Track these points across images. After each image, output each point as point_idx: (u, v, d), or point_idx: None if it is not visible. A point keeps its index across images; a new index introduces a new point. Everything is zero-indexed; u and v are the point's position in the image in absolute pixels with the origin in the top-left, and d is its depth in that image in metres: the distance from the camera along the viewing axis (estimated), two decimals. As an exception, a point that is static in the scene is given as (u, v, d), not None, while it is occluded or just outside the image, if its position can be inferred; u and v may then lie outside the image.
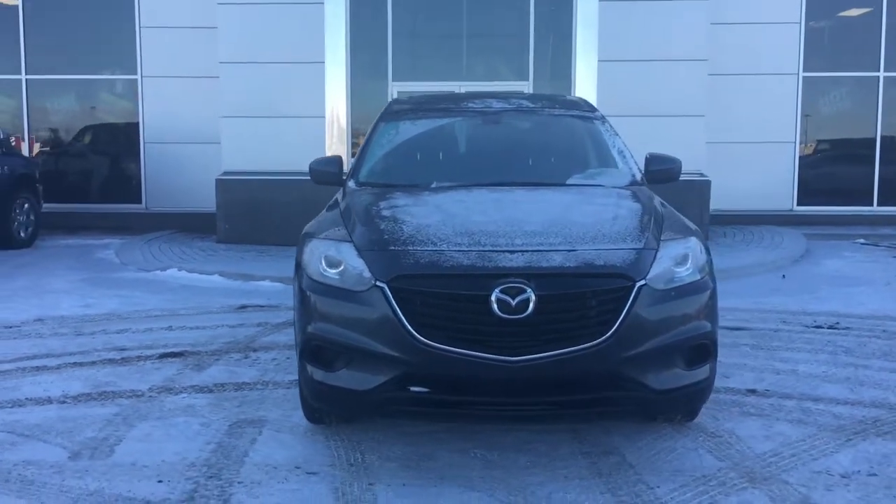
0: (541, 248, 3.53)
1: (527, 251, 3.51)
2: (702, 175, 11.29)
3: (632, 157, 4.86)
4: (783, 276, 8.88)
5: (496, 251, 3.51)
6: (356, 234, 3.79)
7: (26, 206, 11.40)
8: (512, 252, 3.50)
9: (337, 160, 4.91)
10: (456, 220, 3.86)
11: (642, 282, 3.47)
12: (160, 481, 3.61)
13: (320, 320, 3.61)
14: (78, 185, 13.64)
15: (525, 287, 3.33)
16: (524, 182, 4.50)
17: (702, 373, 3.65)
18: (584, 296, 3.42)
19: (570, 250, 3.52)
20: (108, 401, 4.72)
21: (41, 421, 4.37)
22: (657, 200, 4.38)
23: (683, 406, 3.90)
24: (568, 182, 4.52)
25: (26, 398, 4.76)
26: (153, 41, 12.92)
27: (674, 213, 4.27)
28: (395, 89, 11.40)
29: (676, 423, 4.25)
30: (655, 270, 3.55)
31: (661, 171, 4.86)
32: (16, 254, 10.61)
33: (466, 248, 3.54)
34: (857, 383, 5.00)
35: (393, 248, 3.62)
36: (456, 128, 5.21)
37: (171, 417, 4.44)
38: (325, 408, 3.82)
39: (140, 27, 12.97)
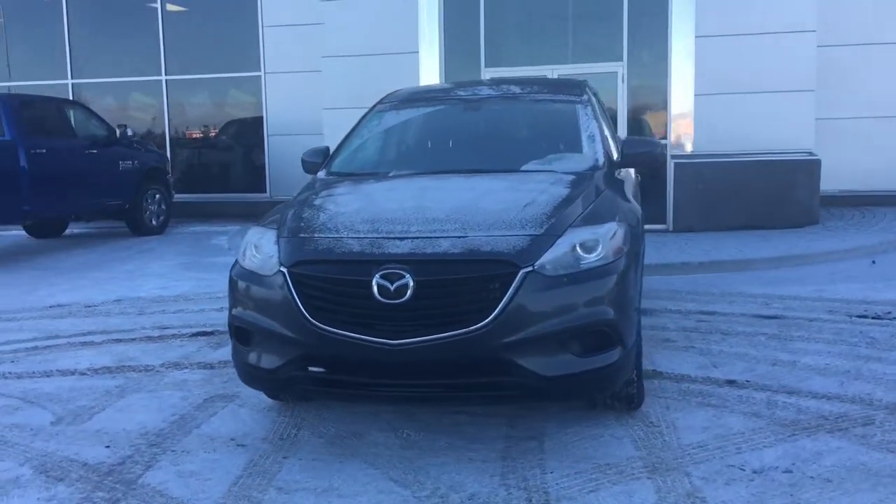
0: (432, 234, 3.62)
1: (416, 238, 3.61)
2: (811, 154, 10.64)
3: (606, 140, 4.78)
4: (873, 261, 8.26)
5: (387, 238, 3.64)
6: (283, 221, 4.04)
7: (157, 196, 12.51)
8: (402, 239, 3.62)
9: (324, 151, 5.16)
10: (371, 208, 4.02)
11: (529, 268, 3.48)
12: (107, 447, 4.03)
13: (240, 302, 3.89)
14: (211, 176, 14.72)
15: (403, 273, 3.45)
16: (478, 169, 4.56)
17: (602, 360, 3.60)
18: (464, 281, 3.49)
19: (460, 237, 3.59)
20: (119, 374, 5.23)
21: (53, 390, 4.93)
22: (606, 185, 4.32)
23: (580, 393, 3.87)
24: (522, 168, 4.52)
25: (56, 370, 5.36)
26: (274, 39, 13.74)
27: (613, 199, 4.19)
28: (487, 75, 11.49)
29: (619, 411, 4.20)
30: (549, 257, 3.54)
31: (637, 155, 4.77)
32: (144, 240, 11.67)
33: (362, 236, 3.69)
34: (853, 377, 4.68)
35: (302, 235, 3.83)
36: (435, 117, 5.32)
37: (161, 391, 4.87)
38: (248, 384, 4.09)
39: (263, 27, 13.81)
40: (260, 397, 4.61)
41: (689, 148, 11.01)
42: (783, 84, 10.57)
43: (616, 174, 4.66)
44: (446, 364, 3.50)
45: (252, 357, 3.82)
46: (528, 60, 11.45)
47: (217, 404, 4.59)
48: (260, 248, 3.89)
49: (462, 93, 5.38)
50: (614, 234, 3.77)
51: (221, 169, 14.80)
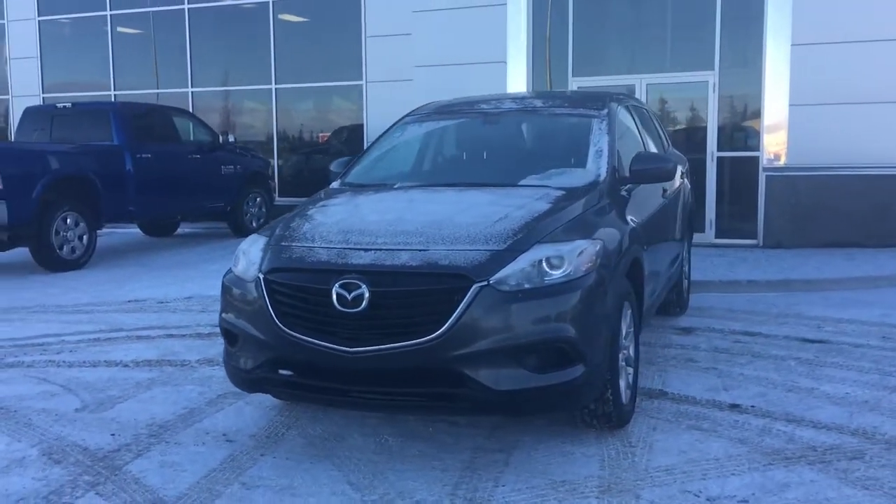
0: (395, 247, 3.72)
1: (380, 250, 3.72)
2: (918, 168, 10.00)
3: (614, 156, 4.72)
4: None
5: (353, 249, 3.77)
6: (275, 229, 4.25)
7: (258, 199, 13.15)
8: (366, 250, 3.74)
9: (346, 162, 5.37)
10: (353, 219, 4.17)
11: (483, 283, 3.53)
12: (113, 434, 4.34)
13: (227, 305, 4.12)
14: (316, 181, 15.17)
15: (360, 283, 3.57)
16: (478, 183, 4.63)
17: (560, 377, 3.61)
18: (418, 293, 3.57)
19: (421, 250, 3.67)
20: (157, 367, 5.59)
21: (93, 379, 5.33)
22: (600, 202, 4.30)
23: (535, 409, 3.86)
24: (519, 183, 4.54)
25: (104, 360, 5.79)
26: (375, 49, 14.11)
27: (599, 217, 4.16)
28: (575, 84, 11.43)
29: (603, 429, 4.16)
30: (506, 272, 3.57)
31: (643, 171, 4.71)
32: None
33: (332, 246, 3.84)
34: (867, 408, 4.44)
35: (283, 243, 4.02)
36: (451, 131, 5.42)
37: (185, 385, 5.19)
38: (232, 383, 4.28)
39: (366, 37, 14.24)
40: (266, 396, 4.82)
41: (782, 160, 10.57)
42: (885, 95, 9.99)
43: (620, 191, 4.60)
44: (399, 374, 3.59)
45: (234, 357, 4.04)
46: (616, 70, 11.34)
47: (227, 400, 4.84)
48: (247, 255, 4.10)
49: (486, 106, 5.44)
50: (582, 251, 3.75)
51: (325, 174, 15.29)
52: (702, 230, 11.04)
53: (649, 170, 4.72)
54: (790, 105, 10.40)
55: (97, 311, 7.46)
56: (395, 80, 13.74)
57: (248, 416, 4.58)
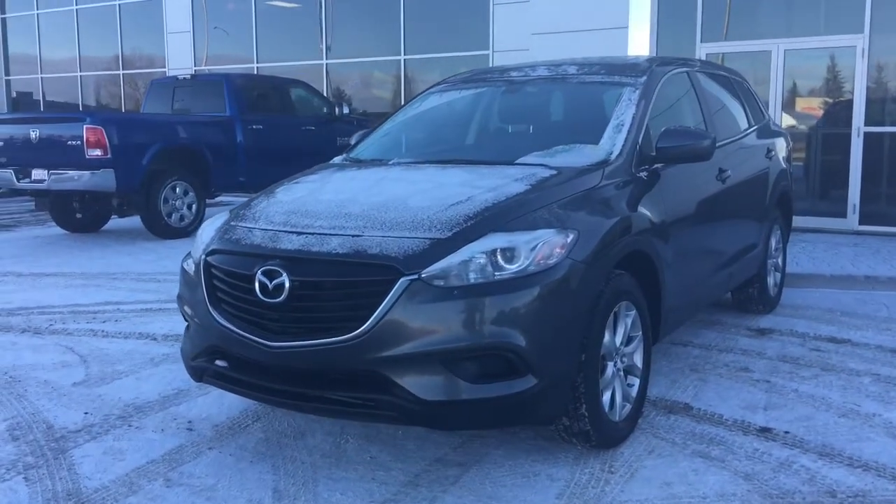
0: (329, 231, 3.30)
1: (312, 234, 3.31)
2: None
3: (636, 132, 4.04)
4: None
5: (287, 232, 3.38)
6: (237, 207, 3.94)
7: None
8: (299, 234, 3.34)
9: (358, 136, 5.00)
10: (310, 198, 3.78)
11: (414, 276, 3.04)
12: (86, 413, 4.22)
13: (181, 287, 3.86)
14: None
15: (281, 271, 3.19)
16: (471, 160, 4.13)
17: (502, 389, 3.08)
18: (340, 285, 3.14)
19: (354, 236, 3.23)
20: (178, 343, 5.47)
21: (114, 352, 5.28)
22: (604, 185, 3.68)
23: (472, 424, 3.32)
24: (517, 161, 3.96)
25: (138, 332, 5.75)
26: (502, 17, 13.60)
27: (585, 202, 3.53)
28: (703, 51, 10.43)
29: (589, 446, 3.57)
30: (444, 264, 3.07)
31: (671, 150, 4.02)
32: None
33: (270, 228, 3.47)
34: (930, 445, 3.59)
35: (233, 223, 3.69)
36: (467, 102, 4.88)
37: (192, 364, 5.02)
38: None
39: (493, 4, 13.73)
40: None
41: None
42: None
43: (639, 172, 3.93)
44: (321, 374, 3.19)
45: (185, 343, 3.79)
46: (748, 34, 10.24)
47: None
48: (202, 234, 3.81)
49: (515, 74, 4.85)
50: (542, 243, 3.17)
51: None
52: (843, 215, 9.84)
53: (679, 148, 4.02)
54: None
55: (166, 280, 7.51)
56: (522, 49, 13.17)
57: (226, 404, 4.32)
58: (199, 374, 3.69)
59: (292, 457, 3.65)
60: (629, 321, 3.67)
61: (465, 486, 3.31)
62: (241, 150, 10.86)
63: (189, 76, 11.54)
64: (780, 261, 6.13)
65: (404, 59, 14.95)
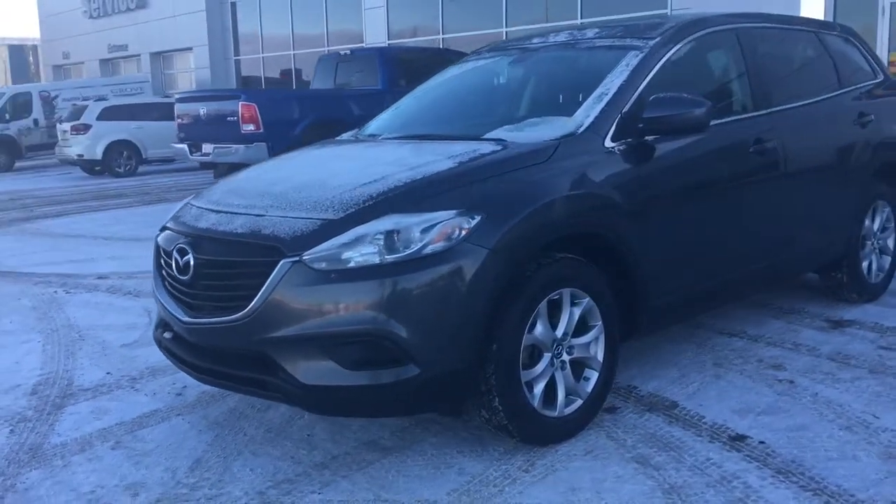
0: (242, 210, 3.31)
1: (225, 213, 3.35)
2: None
3: (619, 102, 3.63)
4: None
5: (210, 210, 3.45)
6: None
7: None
8: (217, 213, 3.39)
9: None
10: (261, 177, 3.87)
11: (295, 257, 2.98)
12: (108, 373, 4.54)
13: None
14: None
15: (188, 249, 3.26)
16: (439, 136, 3.96)
17: (380, 377, 2.95)
18: (231, 265, 3.16)
19: (258, 215, 3.22)
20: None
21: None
22: (559, 161, 3.38)
23: (351, 410, 3.18)
24: (485, 136, 3.69)
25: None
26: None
27: (503, 182, 3.23)
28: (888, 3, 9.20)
29: (516, 442, 3.33)
30: (327, 245, 2.97)
31: (659, 120, 3.59)
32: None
33: (204, 206, 3.55)
34: (925, 472, 2.98)
35: (191, 200, 3.81)
36: (474, 74, 4.66)
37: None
38: None
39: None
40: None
41: None
42: None
43: (619, 147, 3.55)
44: (218, 351, 3.25)
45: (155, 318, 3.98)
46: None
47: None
48: (173, 210, 3.97)
49: (536, 41, 4.54)
50: (436, 224, 2.98)
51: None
52: None
53: (667, 118, 3.58)
54: None
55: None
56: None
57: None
58: (158, 344, 3.86)
59: (240, 428, 3.72)
60: (577, 310, 3.36)
61: (369, 474, 3.22)
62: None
63: (349, 52, 11.93)
64: (890, 243, 5.31)
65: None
